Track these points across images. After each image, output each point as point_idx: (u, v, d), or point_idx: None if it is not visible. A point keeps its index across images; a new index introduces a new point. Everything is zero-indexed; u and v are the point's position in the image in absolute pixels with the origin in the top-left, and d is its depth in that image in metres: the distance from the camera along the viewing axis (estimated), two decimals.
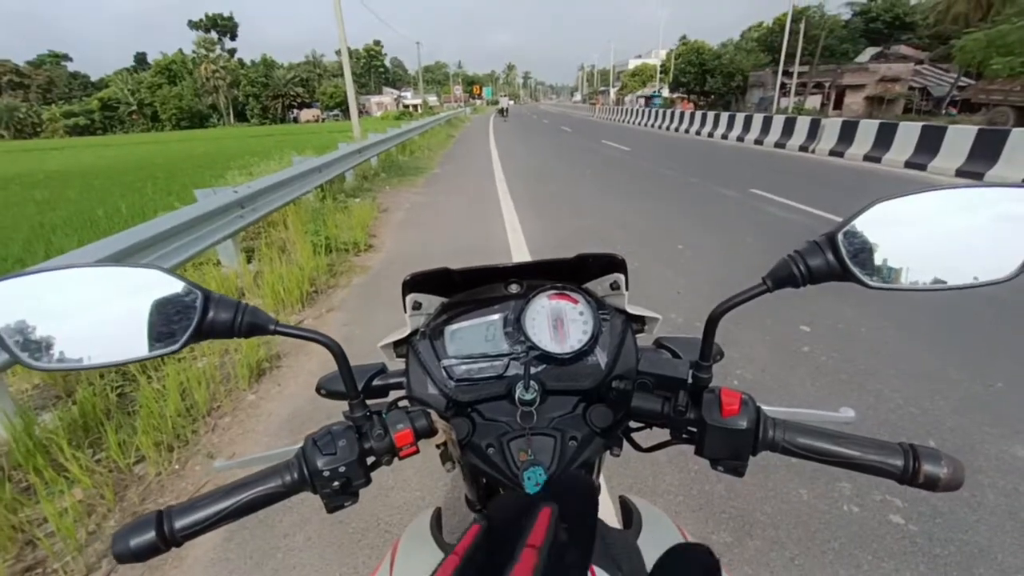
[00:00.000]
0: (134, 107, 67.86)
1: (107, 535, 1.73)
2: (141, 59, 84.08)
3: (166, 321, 0.44)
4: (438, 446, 0.56)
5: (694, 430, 0.52)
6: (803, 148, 12.28)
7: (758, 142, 14.29)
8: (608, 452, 0.61)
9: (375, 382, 0.67)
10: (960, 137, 8.52)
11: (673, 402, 0.53)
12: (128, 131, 65.99)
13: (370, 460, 0.50)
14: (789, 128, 13.30)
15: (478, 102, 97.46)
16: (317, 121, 65.44)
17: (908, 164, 9.24)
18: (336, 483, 0.48)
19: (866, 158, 10.24)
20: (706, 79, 41.58)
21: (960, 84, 26.67)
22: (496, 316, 0.63)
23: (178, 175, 11.52)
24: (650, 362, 0.60)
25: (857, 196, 6.92)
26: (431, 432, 0.51)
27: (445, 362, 0.60)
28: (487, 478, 0.58)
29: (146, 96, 67.37)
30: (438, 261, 0.64)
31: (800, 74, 30.89)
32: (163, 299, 0.44)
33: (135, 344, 0.44)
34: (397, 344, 0.66)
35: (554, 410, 0.57)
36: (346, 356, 0.50)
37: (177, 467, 2.07)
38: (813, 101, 33.02)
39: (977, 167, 8.01)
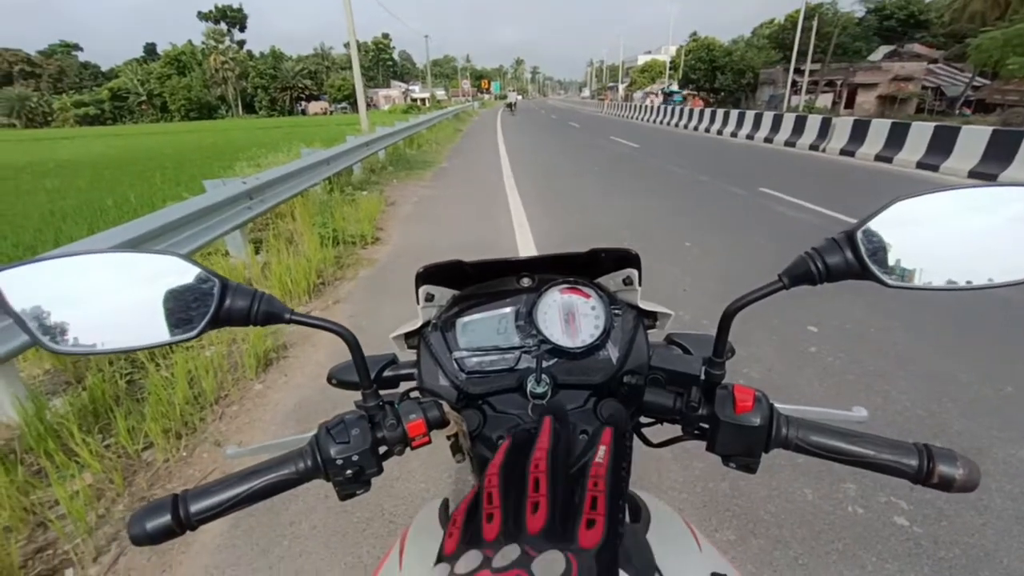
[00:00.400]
0: (144, 97, 68.15)
1: (116, 519, 1.75)
2: (151, 50, 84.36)
3: (184, 308, 0.44)
4: (448, 437, 0.57)
5: (706, 426, 0.52)
6: (813, 147, 12.16)
7: (768, 140, 14.17)
8: None
9: (386, 373, 0.67)
10: (974, 138, 8.41)
11: (685, 398, 0.53)
12: (138, 121, 66.34)
13: (382, 450, 0.51)
14: (800, 126, 13.17)
15: (486, 96, 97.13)
16: (325, 114, 65.47)
17: (920, 164, 9.13)
18: (349, 472, 0.48)
19: (877, 158, 10.13)
20: (716, 76, 41.24)
21: (975, 84, 26.30)
22: (508, 309, 0.63)
23: (187, 166, 11.58)
24: (662, 358, 0.60)
25: (867, 196, 6.85)
26: (443, 423, 0.51)
27: (457, 354, 0.60)
28: None
29: (155, 87, 67.62)
30: (445, 255, 0.64)
31: (812, 72, 30.55)
32: (181, 286, 0.44)
33: (153, 330, 0.44)
34: (409, 336, 0.67)
35: (565, 404, 0.57)
36: (360, 346, 0.50)
37: (185, 454, 2.09)
38: (824, 99, 32.68)
39: (991, 168, 7.91)
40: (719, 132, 17.32)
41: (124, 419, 2.07)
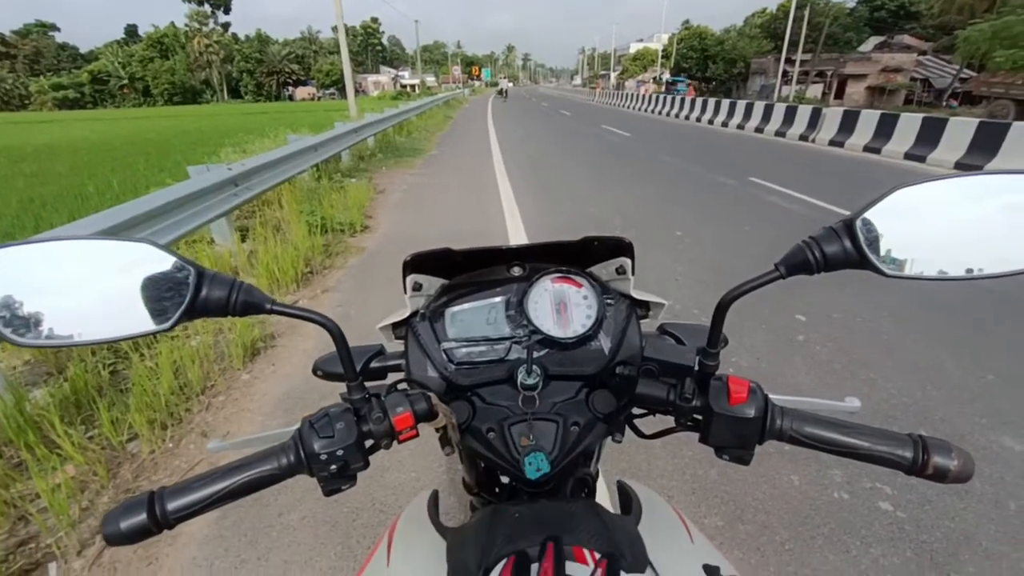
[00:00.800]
0: (125, 81, 66.42)
1: (100, 511, 1.73)
2: (132, 31, 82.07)
3: (157, 298, 0.42)
4: (437, 429, 0.55)
5: (699, 417, 0.51)
6: (803, 137, 12.22)
7: (758, 130, 14.20)
8: (610, 438, 0.60)
9: (373, 364, 0.65)
10: (960, 129, 8.50)
11: (679, 389, 0.52)
12: (119, 105, 64.69)
13: (368, 443, 0.49)
14: (790, 117, 13.21)
15: (477, 83, 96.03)
16: (313, 99, 64.35)
17: (908, 155, 9.21)
18: (333, 467, 0.46)
19: (866, 148, 10.20)
20: (708, 65, 41.21)
21: (962, 76, 26.53)
22: (498, 299, 0.61)
23: (170, 151, 11.33)
24: (655, 348, 0.59)
25: (855, 186, 6.91)
26: (431, 416, 0.50)
27: (445, 345, 0.59)
28: (487, 463, 0.57)
29: (137, 70, 65.92)
30: (435, 244, 0.62)
31: (802, 62, 30.61)
32: (155, 275, 0.42)
33: (124, 321, 0.42)
34: (396, 326, 0.65)
35: (556, 395, 0.56)
36: (344, 337, 0.48)
37: (171, 445, 2.06)
38: (815, 90, 32.82)
39: (976, 160, 8.01)
40: (710, 122, 17.32)
41: (108, 410, 2.03)
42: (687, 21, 51.11)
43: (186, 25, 67.46)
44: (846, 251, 0.43)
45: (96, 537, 1.62)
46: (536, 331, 0.58)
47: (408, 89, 58.91)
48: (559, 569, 0.39)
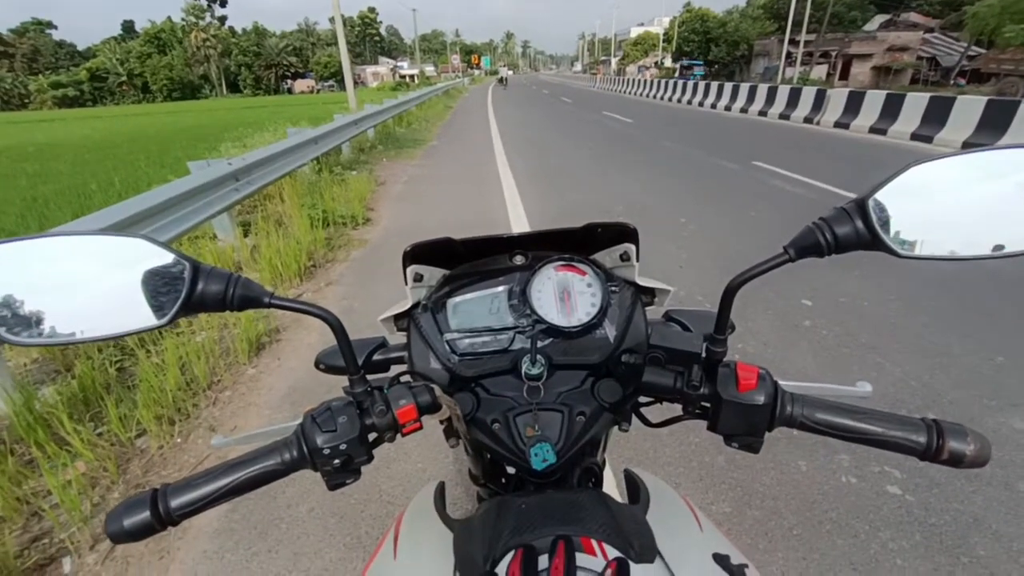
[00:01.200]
0: (124, 78, 66.23)
1: (112, 506, 1.74)
2: (129, 27, 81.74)
3: (153, 293, 0.41)
4: (441, 421, 0.55)
5: (707, 405, 0.51)
6: (808, 119, 12.05)
7: (762, 113, 14.02)
8: (617, 427, 0.59)
9: (375, 357, 0.65)
10: (968, 108, 8.35)
11: (686, 376, 0.51)
12: (119, 102, 64.57)
13: (372, 437, 0.49)
14: (794, 99, 13.02)
15: (476, 72, 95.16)
16: (312, 92, 64.04)
17: (914, 136, 9.08)
18: (337, 461, 0.46)
19: (872, 130, 10.06)
20: (710, 48, 40.65)
21: (970, 54, 26.06)
22: (501, 288, 0.60)
23: (171, 147, 11.32)
24: (661, 335, 0.58)
25: (862, 168, 6.82)
26: (435, 408, 0.49)
27: (448, 336, 0.58)
28: (492, 454, 0.56)
29: (135, 66, 65.67)
30: (437, 235, 0.61)
31: (807, 43, 30.09)
32: (150, 270, 0.41)
33: (122, 317, 0.41)
34: (398, 318, 0.64)
35: (561, 385, 0.55)
36: (345, 330, 0.47)
37: (179, 440, 2.08)
38: (819, 71, 32.33)
39: (985, 139, 7.88)
40: (713, 106, 17.11)
41: (115, 407, 2.05)
42: (688, 3, 50.31)
43: (183, 20, 67.03)
44: (858, 232, 0.41)
45: None
46: (540, 320, 0.57)
47: (407, 79, 58.46)
48: (570, 566, 0.39)
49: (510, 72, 65.91)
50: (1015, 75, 18.26)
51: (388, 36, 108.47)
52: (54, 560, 1.56)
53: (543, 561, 0.40)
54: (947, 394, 2.18)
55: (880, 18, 36.32)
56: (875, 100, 10.34)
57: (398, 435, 0.49)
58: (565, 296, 0.59)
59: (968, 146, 8.08)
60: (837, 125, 11.04)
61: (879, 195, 0.41)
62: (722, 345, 0.49)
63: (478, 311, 0.59)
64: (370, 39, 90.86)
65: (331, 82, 67.20)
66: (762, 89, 14.78)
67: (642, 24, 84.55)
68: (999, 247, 0.40)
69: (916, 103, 9.35)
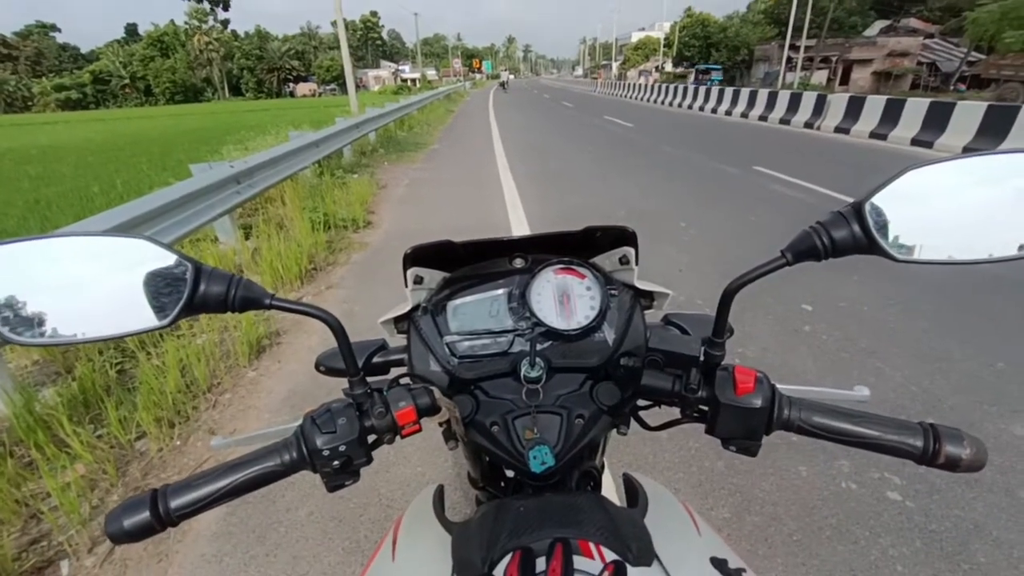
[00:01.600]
0: (127, 81, 66.54)
1: (111, 509, 1.74)
2: (132, 30, 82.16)
3: (156, 294, 0.41)
4: (441, 424, 0.55)
5: (705, 408, 0.51)
6: (808, 124, 12.08)
7: (762, 118, 14.06)
8: (615, 431, 0.59)
9: (375, 359, 0.65)
10: (968, 114, 8.37)
11: (684, 380, 0.51)
12: (121, 105, 64.84)
13: (371, 438, 0.49)
14: (794, 104, 13.06)
15: (478, 76, 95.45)
16: (314, 95, 64.29)
17: (914, 141, 9.10)
18: (336, 462, 0.46)
19: (872, 135, 10.08)
20: (711, 53, 40.75)
21: (970, 59, 26.13)
22: (500, 291, 0.60)
23: (173, 150, 11.35)
24: (660, 339, 0.58)
25: (862, 173, 6.83)
26: (434, 410, 0.49)
27: (448, 338, 0.58)
28: (491, 457, 0.56)
29: (139, 69, 65.99)
30: (438, 238, 0.61)
31: (807, 48, 30.19)
32: (152, 271, 0.41)
33: (123, 318, 0.41)
34: (398, 320, 0.64)
35: (560, 388, 0.55)
36: (345, 332, 0.48)
37: (179, 443, 2.07)
38: (819, 76, 32.42)
39: (985, 144, 7.89)
40: (713, 110, 17.16)
41: (115, 409, 2.05)
42: (689, 8, 50.44)
43: (186, 23, 67.38)
44: (855, 236, 0.41)
45: None
46: (539, 323, 0.57)
47: (409, 83, 58.70)
48: (567, 568, 0.39)
49: (511, 76, 66.37)
50: (1015, 81, 18.29)
51: (390, 40, 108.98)
52: (52, 563, 1.56)
53: (541, 563, 0.41)
54: (947, 400, 2.17)
55: (880, 23, 36.46)
56: (875, 105, 10.36)
57: (397, 437, 0.49)
58: (564, 299, 0.59)
59: (968, 151, 8.09)
60: (837, 130, 11.06)
61: (876, 199, 0.41)
62: (720, 348, 0.49)
63: (478, 314, 0.59)
64: (372, 43, 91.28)
65: (333, 86, 67.47)
66: (762, 94, 14.83)
67: (643, 29, 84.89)
68: (996, 251, 0.40)
69: (916, 108, 9.36)
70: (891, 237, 0.41)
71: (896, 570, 1.46)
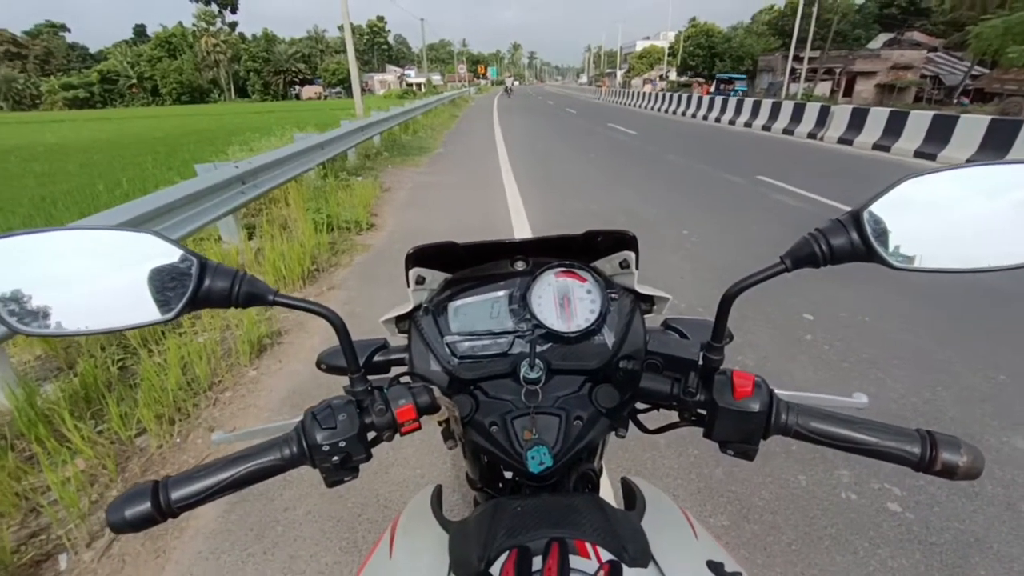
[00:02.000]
0: (134, 81, 67.02)
1: (112, 499, 1.74)
2: (140, 31, 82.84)
3: (161, 288, 0.42)
4: (440, 423, 0.55)
5: (703, 412, 0.51)
6: (811, 135, 12.11)
7: (766, 128, 14.09)
8: (613, 433, 0.60)
9: (376, 358, 0.65)
10: (971, 127, 8.39)
11: (683, 383, 0.52)
12: (128, 105, 65.27)
13: (371, 435, 0.49)
14: (798, 115, 13.09)
15: (482, 82, 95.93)
16: (319, 98, 64.59)
17: (917, 153, 9.11)
18: (336, 458, 0.46)
19: (875, 146, 10.10)
20: (715, 63, 40.90)
21: (974, 73, 26.19)
22: (501, 293, 0.61)
23: (179, 150, 11.42)
24: (659, 342, 0.59)
25: (864, 184, 6.84)
26: (434, 408, 0.50)
27: (448, 338, 0.59)
28: (489, 457, 0.57)
29: (146, 70, 66.49)
30: (440, 240, 0.62)
31: (811, 60, 30.29)
32: (158, 266, 0.42)
33: (128, 311, 0.42)
34: (399, 319, 0.65)
35: (559, 389, 0.56)
36: (347, 329, 0.48)
37: (179, 440, 2.08)
38: (823, 88, 32.51)
39: (988, 158, 7.86)
40: (716, 120, 17.20)
41: (116, 405, 2.05)
42: (694, 18, 50.71)
43: (194, 25, 67.89)
44: (853, 244, 0.42)
45: (106, 530, 1.64)
46: (539, 325, 0.57)
47: (414, 88, 58.97)
48: (563, 567, 0.39)
49: (516, 82, 66.85)
50: (1018, 95, 18.34)
51: (396, 44, 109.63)
52: (50, 556, 1.56)
53: (537, 562, 0.41)
54: (948, 411, 2.17)
55: (884, 36, 36.60)
56: (879, 117, 10.38)
57: (396, 435, 0.50)
58: (565, 302, 0.59)
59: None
60: (840, 141, 11.08)
61: (874, 207, 0.42)
62: (719, 353, 0.50)
63: (479, 315, 0.60)
64: (378, 47, 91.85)
65: (338, 89, 67.82)
66: (766, 104, 14.87)
67: (648, 38, 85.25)
68: (992, 261, 0.41)
69: (919, 121, 9.39)
70: (889, 245, 0.42)
71: None
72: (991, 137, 8.06)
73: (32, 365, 2.54)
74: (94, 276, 0.42)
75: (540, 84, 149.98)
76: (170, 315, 0.42)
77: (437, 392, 0.50)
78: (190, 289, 0.42)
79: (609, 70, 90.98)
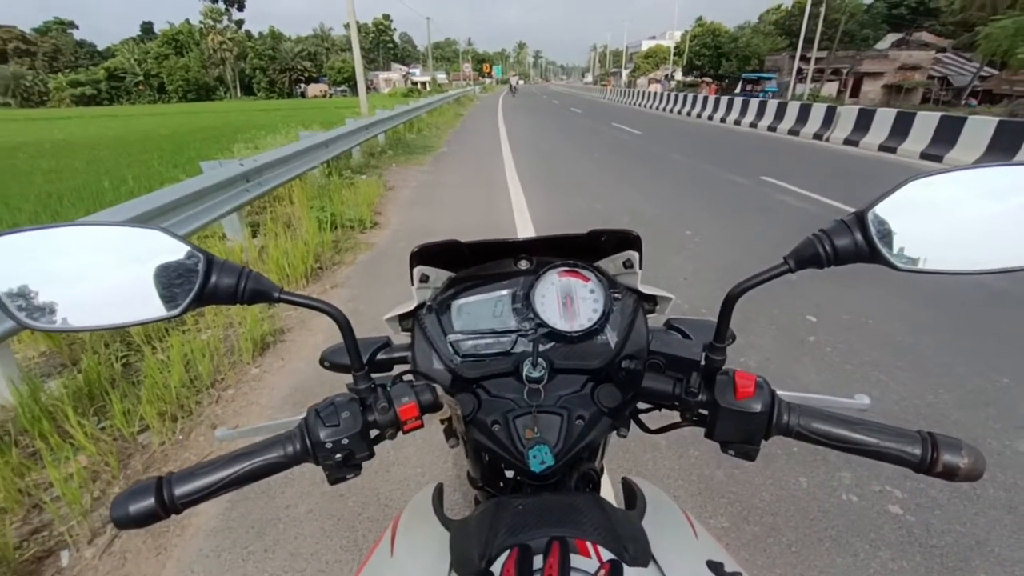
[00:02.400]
0: (140, 78, 67.32)
1: (116, 494, 1.75)
2: (147, 29, 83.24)
3: (167, 284, 0.42)
4: (442, 421, 0.55)
5: (705, 412, 0.51)
6: (817, 136, 12.06)
7: (771, 128, 14.04)
8: (615, 433, 0.60)
9: (380, 356, 0.66)
10: (979, 128, 8.33)
11: (685, 383, 0.52)
12: (134, 102, 65.61)
13: (373, 433, 0.49)
14: (804, 115, 13.04)
15: (488, 81, 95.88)
16: (324, 96, 64.72)
17: (924, 155, 9.06)
18: (338, 455, 0.47)
19: (881, 148, 10.04)
20: (721, 62, 40.76)
21: (983, 74, 26.01)
22: (505, 292, 0.61)
23: (184, 148, 11.46)
24: (662, 342, 0.59)
25: (869, 186, 6.80)
26: (436, 406, 0.50)
27: (451, 337, 0.59)
28: (491, 455, 0.57)
29: (153, 67, 66.77)
30: (444, 238, 0.62)
31: (818, 60, 30.13)
32: (165, 262, 0.42)
33: (135, 307, 0.42)
34: (403, 317, 0.65)
35: (562, 388, 0.56)
36: (351, 327, 0.48)
37: (181, 437, 2.09)
38: (830, 88, 32.36)
39: (995, 160, 7.82)
40: (722, 120, 17.15)
41: (120, 402, 2.06)
42: (700, 18, 50.53)
43: (200, 22, 68.16)
44: (857, 245, 0.42)
45: (107, 526, 1.65)
46: (542, 324, 0.57)
47: (419, 86, 59.04)
48: (564, 566, 0.39)
49: (521, 81, 66.92)
50: None
51: (401, 43, 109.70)
52: (52, 553, 1.57)
53: (538, 561, 0.41)
54: (951, 414, 2.16)
55: (892, 37, 36.42)
56: (885, 118, 10.33)
57: (399, 432, 0.50)
58: (568, 301, 0.59)
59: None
60: (847, 142, 11.03)
61: (878, 209, 0.42)
62: (721, 353, 0.50)
63: (482, 313, 0.60)
64: (384, 45, 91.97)
65: (344, 87, 67.97)
66: (772, 105, 14.81)
67: (653, 37, 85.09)
68: (996, 263, 0.41)
69: (926, 122, 9.33)
70: (893, 246, 0.42)
71: None
72: (999, 139, 8.00)
73: (36, 361, 2.55)
74: (101, 272, 0.42)
75: (545, 83, 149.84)
76: (176, 311, 0.42)
77: (440, 390, 0.51)
78: (196, 285, 0.42)
79: (615, 70, 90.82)
